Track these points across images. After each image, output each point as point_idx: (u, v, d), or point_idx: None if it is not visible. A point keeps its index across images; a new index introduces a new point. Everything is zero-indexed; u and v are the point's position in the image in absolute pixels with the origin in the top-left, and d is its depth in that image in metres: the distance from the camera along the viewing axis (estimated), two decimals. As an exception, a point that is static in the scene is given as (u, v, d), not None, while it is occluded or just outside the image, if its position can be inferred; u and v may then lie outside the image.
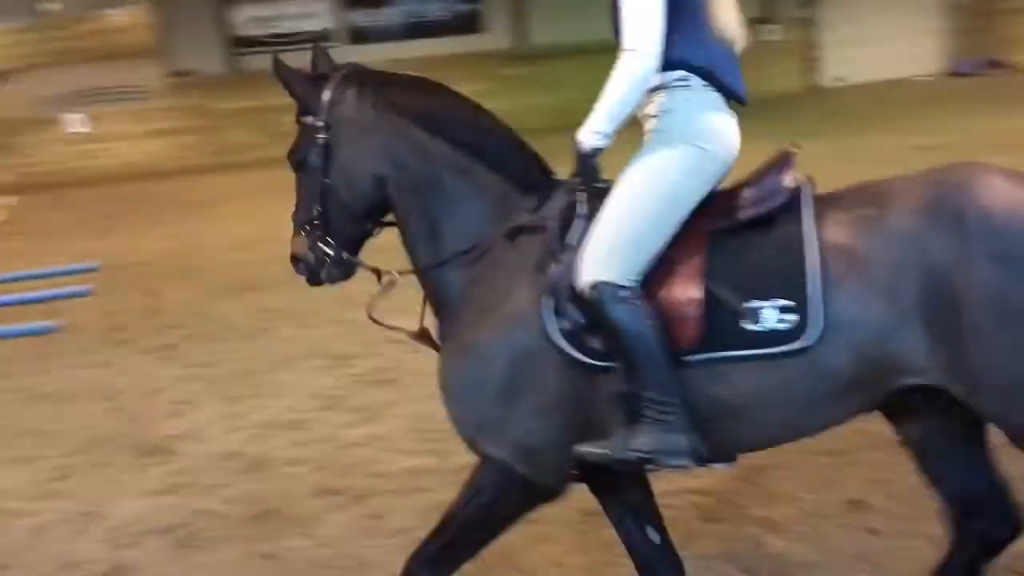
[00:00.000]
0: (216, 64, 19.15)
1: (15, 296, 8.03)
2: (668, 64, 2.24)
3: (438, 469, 4.09)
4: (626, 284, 2.18)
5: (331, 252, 2.56)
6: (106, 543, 3.80)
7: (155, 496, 4.19)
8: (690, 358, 2.18)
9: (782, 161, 2.26)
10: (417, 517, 3.53)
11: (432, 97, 2.50)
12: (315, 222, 2.56)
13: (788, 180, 2.22)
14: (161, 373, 5.90)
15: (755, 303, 2.13)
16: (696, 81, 2.27)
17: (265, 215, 11.48)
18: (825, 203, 2.22)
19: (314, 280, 2.66)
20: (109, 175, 17.36)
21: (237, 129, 19.08)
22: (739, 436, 2.30)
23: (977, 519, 2.40)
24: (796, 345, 2.10)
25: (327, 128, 2.52)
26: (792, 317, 2.10)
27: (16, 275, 8.87)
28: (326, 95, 2.54)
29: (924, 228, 2.04)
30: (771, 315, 2.12)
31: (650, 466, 2.28)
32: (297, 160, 2.64)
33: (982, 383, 2.04)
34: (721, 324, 2.15)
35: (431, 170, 2.42)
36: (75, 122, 18.17)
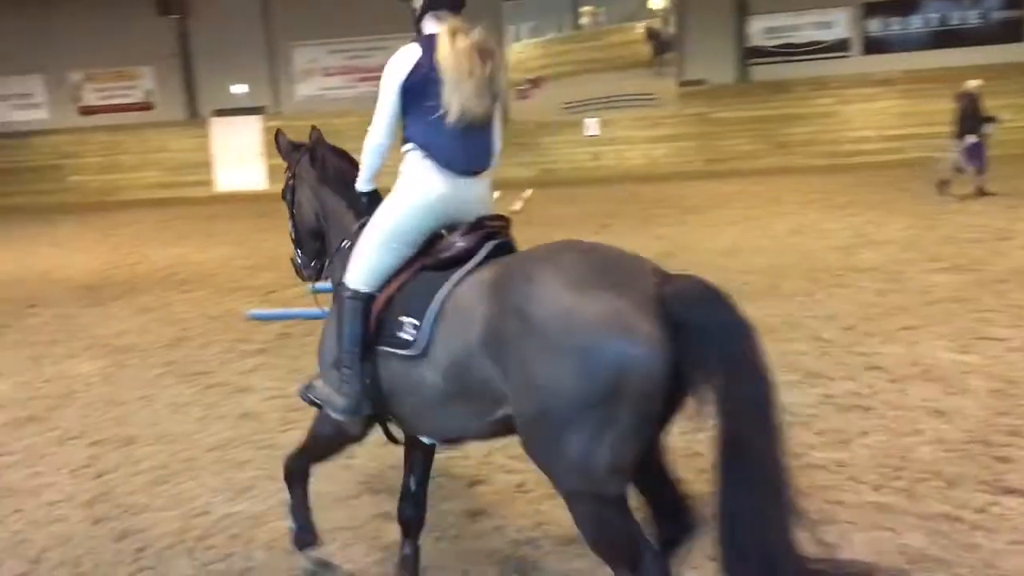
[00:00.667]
0: (726, 74, 19.53)
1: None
2: (405, 139, 3.17)
3: (905, 511, 3.79)
4: (351, 287, 3.16)
5: (299, 260, 3.87)
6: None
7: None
8: (375, 346, 3.09)
9: (475, 225, 3.10)
10: (873, 555, 3.30)
11: (335, 162, 3.69)
12: (292, 238, 3.87)
13: (466, 240, 3.05)
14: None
15: (404, 318, 2.98)
16: (417, 153, 3.13)
17: (755, 224, 11.54)
18: (491, 260, 2.98)
19: (300, 277, 3.91)
20: (613, 176, 18.66)
21: (739, 137, 19.34)
22: (402, 417, 3.15)
23: (665, 521, 2.82)
24: (410, 352, 2.93)
25: (293, 178, 3.83)
26: (414, 332, 2.92)
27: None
28: (296, 158, 3.82)
29: (489, 291, 2.74)
30: (408, 328, 2.95)
31: (329, 412, 3.24)
32: (283, 198, 3.89)
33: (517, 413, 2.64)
34: (389, 328, 3.04)
35: (326, 206, 3.66)
36: (591, 126, 19.81)
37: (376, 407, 3.14)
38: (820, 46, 19.38)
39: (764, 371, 2.45)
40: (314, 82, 20.90)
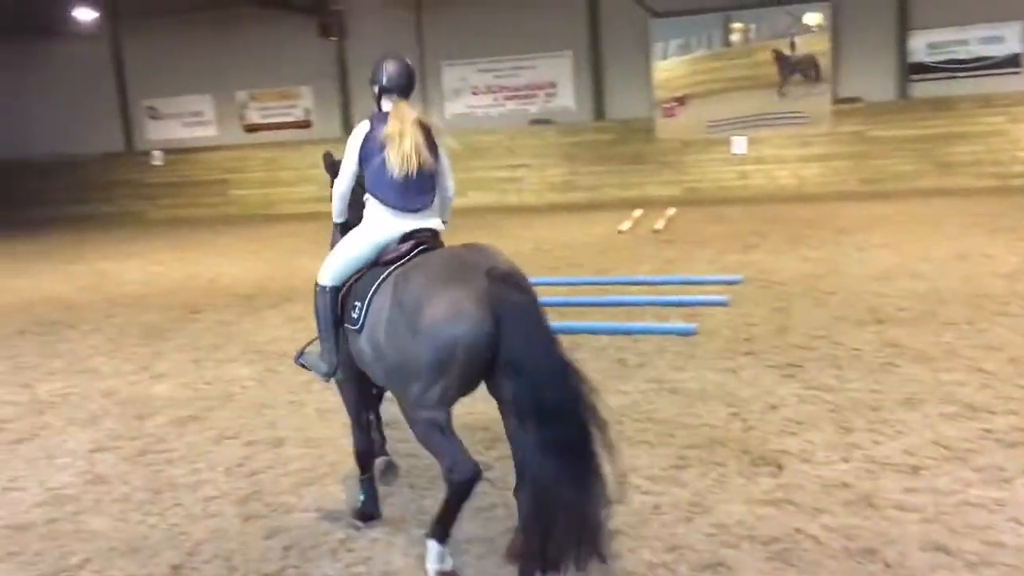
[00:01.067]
0: (885, 91, 18.78)
1: (663, 298, 8.90)
2: (367, 188, 4.20)
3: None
4: (323, 284, 4.21)
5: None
6: (708, 538, 4.04)
7: (759, 505, 4.32)
8: (344, 325, 4.13)
9: (410, 236, 4.11)
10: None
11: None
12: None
13: (402, 247, 4.07)
14: (782, 390, 6.03)
15: (356, 302, 3.99)
16: (371, 198, 4.17)
17: (912, 247, 11.00)
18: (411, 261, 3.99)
19: None
20: (761, 195, 18.22)
21: (898, 156, 18.53)
22: (374, 377, 4.10)
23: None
24: (355, 327, 3.95)
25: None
26: (358, 314, 3.94)
27: (665, 279, 9.85)
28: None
29: (392, 286, 3.85)
30: (358, 309, 3.95)
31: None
32: None
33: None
34: (347, 310, 4.06)
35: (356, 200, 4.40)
36: (738, 144, 19.42)
37: (347, 368, 4.22)
38: (988, 62, 18.36)
39: (549, 345, 3.48)
40: (462, 100, 21.36)
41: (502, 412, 3.64)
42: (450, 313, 3.49)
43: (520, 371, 3.40)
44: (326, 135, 22.45)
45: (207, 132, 23.52)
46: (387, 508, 4.47)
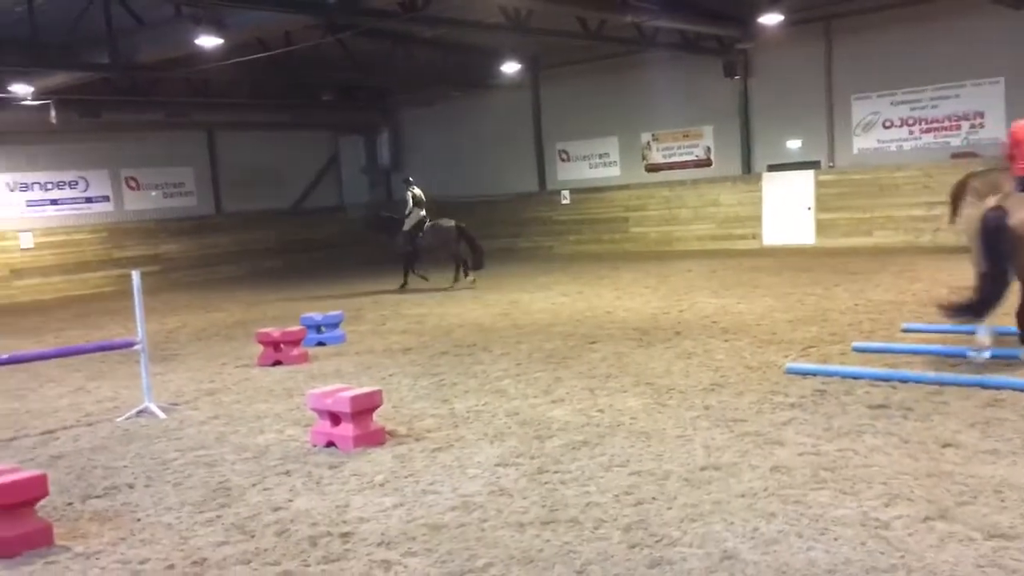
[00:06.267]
0: None
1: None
2: None
3: None
4: None
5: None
6: None
7: None
8: None
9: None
10: None
11: None
12: None
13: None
14: None
15: None
16: None
17: None
18: None
19: None
20: None
21: None
22: None
23: None
24: None
25: None
26: None
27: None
28: None
29: None
30: None
31: None
32: None
33: None
34: None
35: None
36: None
37: None
38: None
39: None
40: (873, 134, 20.23)
41: None
42: None
43: None
44: (725, 173, 22.53)
45: (611, 172, 24.69)
46: (771, 556, 4.34)
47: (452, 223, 17.49)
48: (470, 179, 26.52)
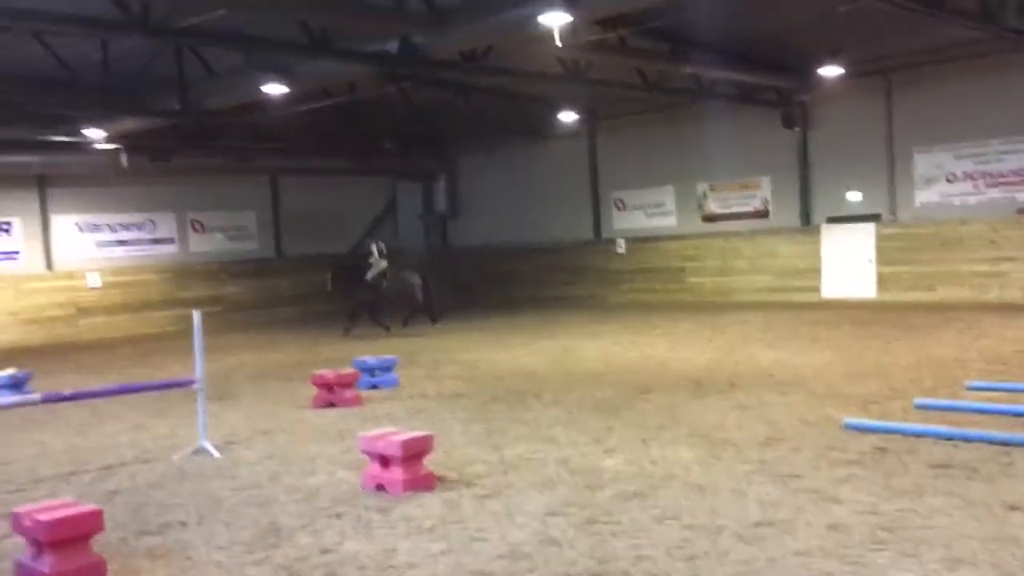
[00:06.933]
0: None
1: None
2: None
3: None
4: None
5: None
6: None
7: None
8: None
9: None
10: None
11: None
12: None
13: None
14: None
15: None
16: None
17: None
18: None
19: None
20: None
21: None
22: None
23: None
24: None
25: None
26: None
27: None
28: None
29: None
30: None
31: None
32: None
33: None
34: None
35: None
36: None
37: None
38: None
39: None
40: (936, 188, 19.90)
41: None
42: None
43: None
44: (783, 224, 22.32)
45: (667, 222, 24.61)
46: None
47: (418, 278, 20.03)
48: (525, 227, 26.67)
